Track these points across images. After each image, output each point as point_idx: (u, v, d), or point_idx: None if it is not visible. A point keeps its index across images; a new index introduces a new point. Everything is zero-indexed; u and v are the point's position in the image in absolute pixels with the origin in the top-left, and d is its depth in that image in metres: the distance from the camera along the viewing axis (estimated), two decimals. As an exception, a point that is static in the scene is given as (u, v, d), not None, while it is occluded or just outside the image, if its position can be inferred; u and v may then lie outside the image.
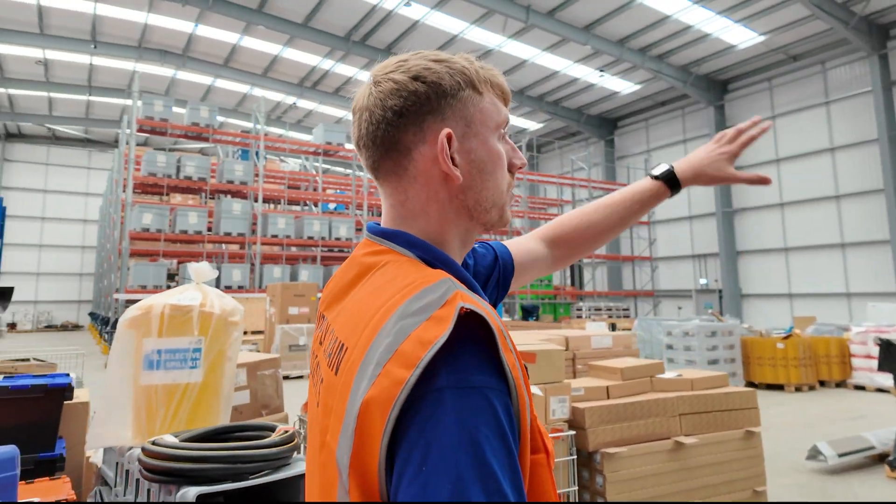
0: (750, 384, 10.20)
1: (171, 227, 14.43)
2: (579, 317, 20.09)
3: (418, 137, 0.73)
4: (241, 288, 14.39)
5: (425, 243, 0.73)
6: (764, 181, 1.12)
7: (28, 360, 3.61)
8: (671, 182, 1.16)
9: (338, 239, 16.88)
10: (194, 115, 15.58)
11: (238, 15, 17.46)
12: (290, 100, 24.84)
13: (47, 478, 2.15)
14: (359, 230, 18.24)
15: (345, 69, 21.87)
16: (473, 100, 0.75)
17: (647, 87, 21.88)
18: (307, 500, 0.73)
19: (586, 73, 20.87)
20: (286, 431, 2.09)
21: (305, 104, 25.34)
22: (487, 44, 19.02)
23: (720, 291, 20.37)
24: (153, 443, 1.89)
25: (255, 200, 15.85)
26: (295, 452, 2.09)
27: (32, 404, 2.51)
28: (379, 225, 0.78)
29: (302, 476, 2.02)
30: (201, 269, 2.52)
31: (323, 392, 0.67)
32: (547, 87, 22.27)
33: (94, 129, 28.95)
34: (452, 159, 0.73)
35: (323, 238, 16.55)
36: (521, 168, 0.81)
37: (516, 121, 26.03)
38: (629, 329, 14.83)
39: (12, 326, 27.33)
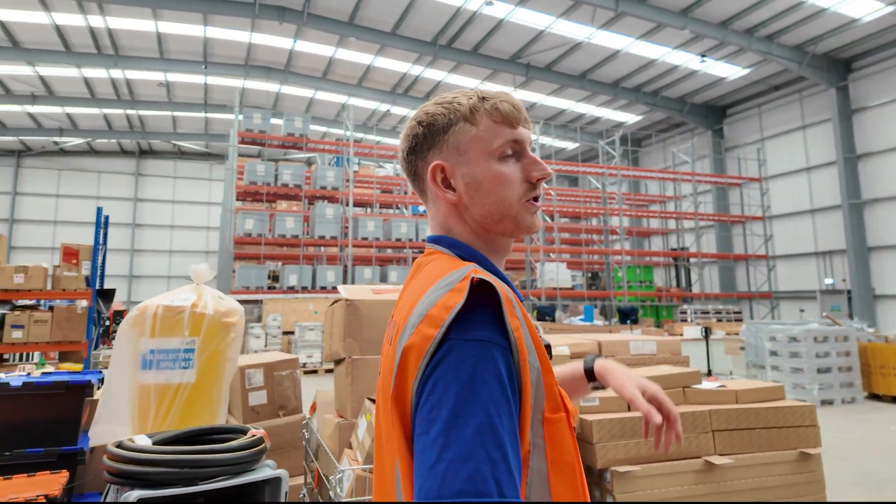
0: (873, 396, 9.00)
1: (272, 232, 15.31)
2: (683, 320, 18.88)
3: (425, 168, 0.92)
4: (333, 288, 14.95)
5: (461, 243, 0.91)
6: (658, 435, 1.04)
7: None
8: (590, 373, 1.16)
9: (424, 240, 17.05)
10: (290, 126, 16.47)
11: (331, 28, 18.19)
12: (384, 107, 25.49)
13: (48, 472, 2.25)
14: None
15: (434, 73, 22.13)
16: (466, 130, 0.90)
17: (758, 71, 20.15)
18: (377, 455, 0.86)
19: (687, 60, 19.60)
20: (254, 436, 2.04)
21: (399, 110, 25.89)
22: (575, 36, 18.41)
23: (849, 292, 18.28)
24: (119, 444, 1.91)
25: (346, 205, 16.44)
26: (263, 457, 2.03)
27: (55, 400, 2.66)
28: (429, 234, 0.99)
29: (265, 482, 1.97)
30: (200, 270, 2.55)
31: (382, 363, 0.85)
32: (644, 76, 21.17)
33: (213, 144, 31.41)
34: (450, 184, 0.91)
35: (410, 240, 16.81)
36: (540, 179, 0.91)
37: (611, 114, 25.03)
38: (736, 333, 13.70)
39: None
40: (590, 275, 25.10)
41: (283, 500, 1.88)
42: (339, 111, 26.78)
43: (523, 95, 23.64)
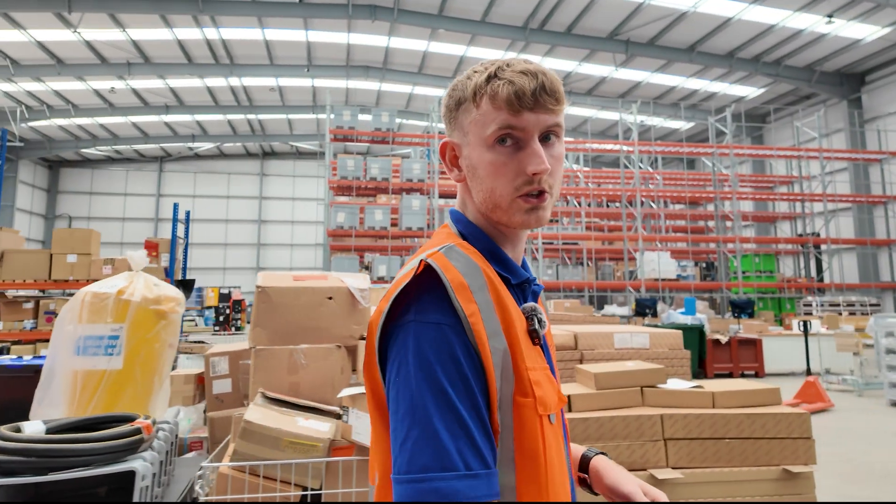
0: None
1: (362, 224, 15.78)
2: (808, 313, 16.90)
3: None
4: (392, 279, 15.01)
5: (466, 220, 0.91)
6: None
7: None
8: (584, 465, 1.06)
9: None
10: (377, 121, 16.85)
11: (421, 22, 18.33)
12: (482, 97, 25.26)
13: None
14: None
15: (528, 59, 21.56)
16: (468, 112, 0.87)
17: (903, 28, 17.45)
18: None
19: (812, 23, 17.42)
20: (133, 426, 2.00)
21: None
22: (679, 6, 17.03)
23: None
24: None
25: (431, 196, 16.55)
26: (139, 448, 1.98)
27: (26, 383, 2.81)
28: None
29: (131, 473, 1.91)
30: (135, 257, 2.57)
31: None
32: (762, 45, 19.14)
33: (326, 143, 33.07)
34: (457, 162, 0.91)
35: (500, 229, 16.58)
36: (536, 174, 0.83)
37: (728, 89, 22.95)
38: (862, 329, 12.02)
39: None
40: (704, 265, 23.28)
41: (136, 495, 1.81)
42: (438, 105, 27.04)
43: (625, 75, 22.39)
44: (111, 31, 18.84)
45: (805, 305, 17.09)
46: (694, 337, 10.13)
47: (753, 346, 10.30)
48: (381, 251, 16.31)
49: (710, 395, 2.32)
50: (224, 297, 21.72)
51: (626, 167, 19.72)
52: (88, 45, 19.63)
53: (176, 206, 7.64)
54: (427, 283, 0.76)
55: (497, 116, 0.84)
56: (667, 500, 0.93)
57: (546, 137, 0.87)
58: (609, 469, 1.00)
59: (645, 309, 16.72)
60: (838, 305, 16.73)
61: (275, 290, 2.35)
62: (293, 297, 2.35)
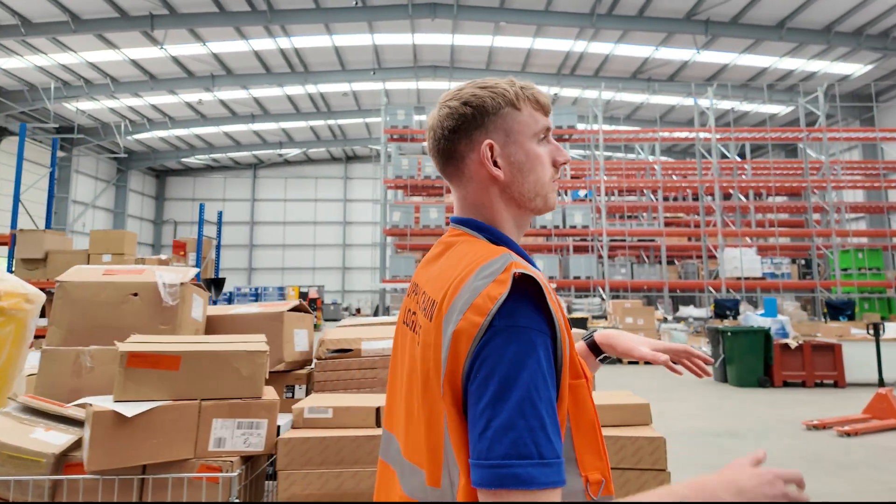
0: None
1: (417, 224, 15.71)
2: (922, 316, 14.79)
3: (469, 147, 0.97)
4: None
5: (489, 227, 0.97)
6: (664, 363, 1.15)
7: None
8: (594, 347, 1.26)
9: (573, 227, 15.93)
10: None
11: (483, 16, 18.01)
12: (552, 90, 24.51)
13: None
14: (597, 216, 16.87)
15: (599, 47, 20.60)
16: (513, 115, 0.96)
17: None
18: (388, 416, 1.01)
19: (926, -16, 15.25)
20: None
21: (568, 92, 24.70)
22: (760, -21, 15.50)
23: None
24: None
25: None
26: None
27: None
28: (455, 216, 1.03)
29: None
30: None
31: (422, 334, 0.89)
32: (865, 15, 17.04)
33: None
34: (496, 162, 0.96)
35: (556, 227, 15.83)
36: (563, 164, 1.01)
37: (828, 67, 20.66)
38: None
39: (358, 311, 33.48)
40: (803, 262, 21.11)
41: None
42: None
43: (708, 57, 20.78)
44: (193, 45, 20.10)
45: (917, 306, 14.98)
46: (758, 341, 9.08)
47: (831, 351, 9.05)
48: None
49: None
50: (303, 297, 22.53)
51: (704, 157, 18.24)
52: (175, 60, 21.06)
53: (202, 207, 7.87)
54: (516, 291, 0.81)
55: (539, 117, 0.98)
56: (681, 347, 1.17)
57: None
58: (615, 339, 1.21)
59: (725, 311, 15.40)
60: (960, 307, 14.51)
61: (73, 285, 2.20)
62: (94, 293, 2.19)
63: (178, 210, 36.69)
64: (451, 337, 0.81)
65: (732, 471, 0.82)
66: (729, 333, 9.22)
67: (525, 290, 0.81)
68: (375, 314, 26.20)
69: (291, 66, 22.72)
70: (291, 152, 34.33)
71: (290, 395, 2.33)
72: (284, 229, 36.92)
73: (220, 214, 8.64)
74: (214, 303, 8.16)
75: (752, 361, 9.05)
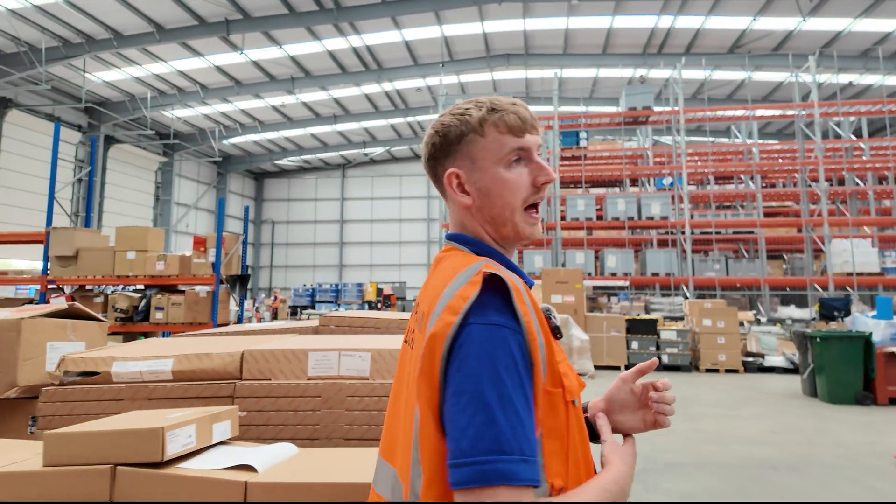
0: None
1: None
2: None
3: (443, 173, 1.01)
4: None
5: (475, 240, 1.00)
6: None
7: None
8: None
9: (650, 218, 14.48)
10: None
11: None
12: (639, 72, 22.82)
13: None
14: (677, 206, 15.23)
15: (688, 21, 18.81)
16: (476, 141, 0.97)
17: None
18: (385, 442, 0.98)
19: None
20: None
21: (658, 73, 22.85)
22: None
23: None
24: None
25: (552, 185, 15.08)
26: None
27: None
28: (448, 232, 1.07)
29: None
30: None
31: (415, 348, 0.90)
32: None
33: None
34: (464, 189, 0.99)
35: (630, 218, 14.46)
36: (545, 184, 0.99)
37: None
38: None
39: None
40: (938, 255, 18.11)
41: None
42: (592, 86, 25.11)
43: (817, 25, 18.34)
44: (270, 49, 20.67)
45: None
46: (855, 349, 7.55)
47: (958, 364, 7.36)
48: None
49: (242, 486, 1.19)
50: (379, 293, 22.61)
51: (809, 137, 16.04)
52: (256, 64, 21.80)
53: (221, 202, 7.72)
54: (487, 290, 0.84)
55: (507, 140, 0.97)
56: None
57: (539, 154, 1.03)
58: (599, 409, 1.10)
59: (833, 311, 13.42)
60: None
61: None
62: None
63: (275, 210, 38.38)
64: (428, 338, 0.83)
65: (622, 458, 0.94)
66: (818, 339, 7.77)
67: (497, 290, 0.84)
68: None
69: (365, 64, 22.79)
70: (376, 151, 34.77)
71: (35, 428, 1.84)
72: (372, 227, 37.56)
73: (246, 210, 8.46)
74: (242, 300, 8.01)
75: (848, 373, 7.56)
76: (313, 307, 24.04)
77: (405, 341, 1.02)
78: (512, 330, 0.81)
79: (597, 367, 10.71)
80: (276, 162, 35.00)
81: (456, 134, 0.98)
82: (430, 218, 36.55)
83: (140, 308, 7.48)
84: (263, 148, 32.94)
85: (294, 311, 23.79)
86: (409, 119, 29.40)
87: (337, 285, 25.24)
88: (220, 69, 21.93)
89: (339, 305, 23.70)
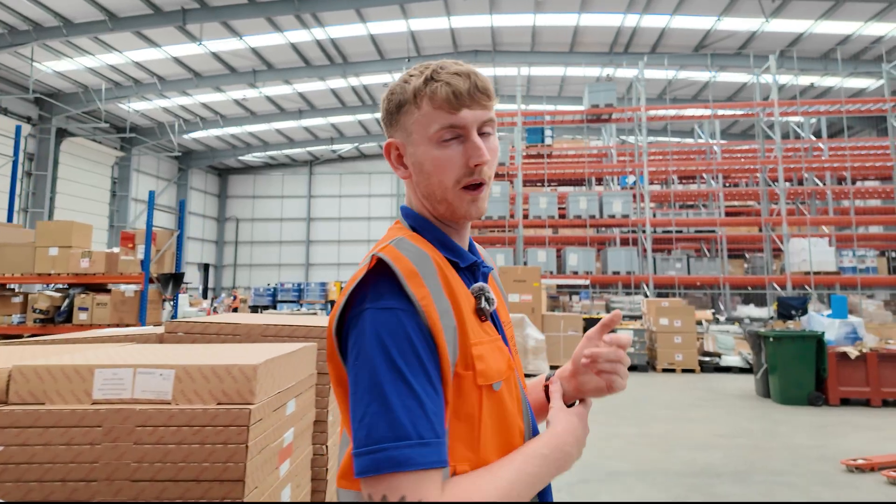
0: None
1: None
2: None
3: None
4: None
5: (414, 214, 0.97)
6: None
7: None
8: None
9: (612, 216, 14.37)
10: None
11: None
12: (605, 71, 22.79)
13: None
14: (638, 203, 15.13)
15: (653, 20, 18.79)
16: (411, 113, 0.92)
17: None
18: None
19: None
20: None
21: (624, 73, 22.86)
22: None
23: None
24: None
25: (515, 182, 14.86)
26: None
27: None
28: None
29: None
30: None
31: None
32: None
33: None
34: (402, 161, 0.96)
35: (592, 217, 14.32)
36: (478, 166, 0.90)
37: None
38: None
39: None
40: (894, 254, 18.45)
41: None
42: (560, 85, 25.04)
43: (778, 26, 18.50)
44: (230, 40, 20.04)
45: None
46: (808, 349, 7.46)
47: (908, 364, 7.32)
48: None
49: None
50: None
51: (770, 137, 16.13)
52: (216, 56, 21.14)
53: (151, 194, 7.26)
54: (380, 274, 0.81)
55: (438, 115, 0.90)
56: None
57: (482, 132, 0.93)
58: (567, 374, 1.04)
59: (790, 310, 13.46)
60: None
61: None
62: None
63: (239, 207, 37.54)
64: (329, 319, 0.84)
65: (563, 422, 0.90)
66: (771, 339, 7.66)
67: (390, 273, 0.81)
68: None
69: (330, 58, 22.31)
70: (344, 148, 34.25)
71: None
72: (340, 225, 36.99)
73: (181, 203, 7.94)
74: (176, 301, 7.56)
75: (801, 373, 7.46)
76: (275, 307, 23.47)
77: None
78: (407, 313, 0.79)
79: (553, 368, 10.48)
80: (241, 158, 34.21)
81: (396, 103, 0.94)
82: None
83: (62, 308, 6.98)
84: (226, 143, 32.14)
85: (254, 311, 23.18)
86: (377, 115, 28.96)
87: (300, 284, 24.69)
88: (178, 60, 21.21)
89: (301, 305, 23.18)
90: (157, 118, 27.05)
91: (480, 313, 0.89)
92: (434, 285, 0.83)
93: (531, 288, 10.22)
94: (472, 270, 0.95)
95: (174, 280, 7.45)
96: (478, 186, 0.92)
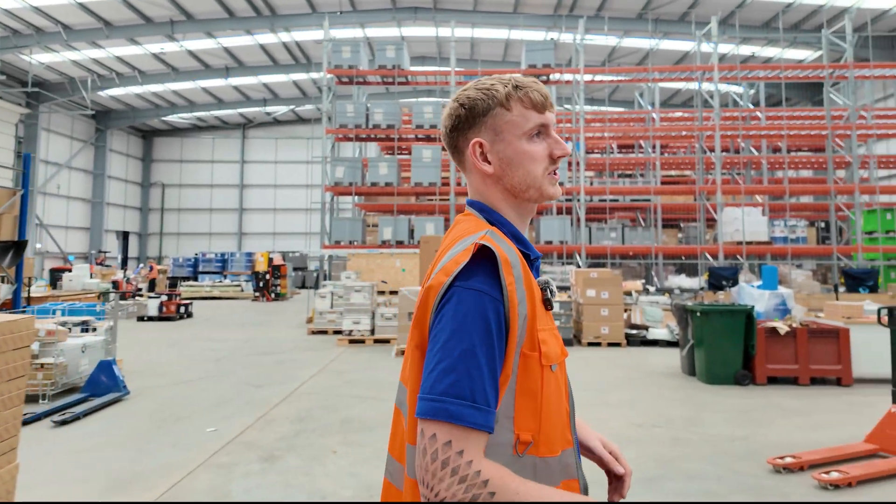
0: None
1: (363, 180, 13.70)
2: (960, 289, 12.45)
3: (465, 143, 1.08)
4: (399, 243, 12.79)
5: (489, 208, 1.07)
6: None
7: None
8: None
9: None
10: (381, 57, 14.37)
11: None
12: (550, 35, 21.94)
13: None
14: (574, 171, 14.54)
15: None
16: (502, 115, 1.04)
17: None
18: (403, 370, 1.05)
19: None
20: None
21: (567, 37, 22.10)
22: None
23: None
24: None
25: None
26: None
27: None
28: (469, 199, 1.14)
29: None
30: None
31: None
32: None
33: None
34: (487, 158, 1.06)
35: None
36: (560, 156, 1.06)
37: (863, 1, 17.74)
38: None
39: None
40: (823, 225, 18.65)
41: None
42: (504, 50, 24.10)
43: (721, -9, 18.04)
44: (140, -15, 18.14)
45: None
46: (737, 324, 7.01)
47: (835, 338, 6.97)
48: (386, 211, 14.14)
49: None
50: (271, 262, 20.79)
51: (710, 105, 15.73)
52: (128, 4, 19.18)
53: (28, 156, 6.01)
54: (478, 258, 0.92)
55: (531, 115, 1.04)
56: (620, 452, 1.21)
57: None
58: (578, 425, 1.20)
59: (721, 280, 13.24)
60: None
61: None
62: None
63: (166, 172, 35.22)
64: (423, 291, 0.94)
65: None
66: (698, 313, 7.15)
67: (486, 261, 0.92)
68: (306, 285, 23.83)
69: (256, 9, 20.63)
70: (279, 110, 32.43)
71: None
72: (276, 192, 35.26)
73: (26, 157, 6.62)
74: (19, 275, 6.37)
75: (729, 351, 7.00)
76: (196, 279, 22.00)
77: None
78: (491, 297, 0.89)
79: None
80: (166, 118, 31.87)
81: (483, 107, 1.04)
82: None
83: None
84: (148, 102, 29.82)
85: (174, 283, 21.67)
86: (314, 75, 27.30)
87: (223, 255, 23.21)
88: (83, 6, 19.10)
89: (225, 276, 21.80)
90: (67, 72, 24.66)
91: (547, 304, 1.02)
92: (518, 276, 0.94)
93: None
94: (533, 263, 1.09)
95: (15, 249, 6.27)
96: (555, 173, 1.08)
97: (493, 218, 1.06)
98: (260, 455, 4.27)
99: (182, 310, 13.60)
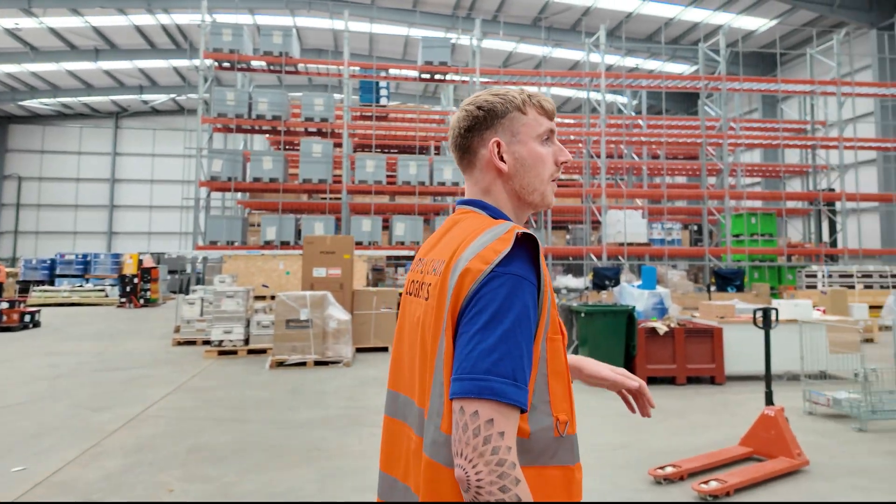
0: None
1: (244, 175, 12.77)
2: (811, 286, 13.62)
3: (480, 144, 1.11)
4: (285, 244, 12.10)
5: (492, 206, 1.10)
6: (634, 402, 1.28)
7: None
8: None
9: (441, 184, 13.52)
10: (267, 42, 13.48)
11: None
12: (450, 35, 21.82)
13: None
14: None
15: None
16: (519, 118, 1.10)
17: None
18: (393, 377, 1.14)
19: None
20: None
21: (467, 42, 22.13)
22: None
23: None
24: None
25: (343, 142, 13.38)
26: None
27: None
28: (464, 198, 1.16)
29: None
30: None
31: (431, 288, 1.01)
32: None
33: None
34: (502, 158, 1.09)
35: (422, 183, 13.36)
36: (564, 163, 1.14)
37: (735, 20, 19.16)
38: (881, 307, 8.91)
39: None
40: (696, 227, 19.90)
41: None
42: (404, 47, 23.72)
43: (609, 3, 18.76)
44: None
45: (808, 276, 13.75)
46: (619, 324, 7.06)
47: (709, 338, 7.23)
48: (270, 209, 13.27)
49: None
50: (140, 264, 18.89)
51: (597, 112, 16.25)
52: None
53: None
54: (517, 247, 0.94)
55: (543, 121, 1.12)
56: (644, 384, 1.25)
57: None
58: (584, 362, 1.28)
59: (605, 280, 13.61)
60: (851, 276, 13.39)
61: None
62: None
63: (23, 163, 31.48)
64: (459, 276, 0.93)
65: None
66: (583, 314, 7.11)
67: (524, 248, 0.94)
68: (182, 290, 21.98)
69: (129, -14, 18.81)
70: (158, 98, 30.03)
71: None
72: (152, 188, 32.56)
73: None
74: None
75: (612, 351, 7.00)
76: (52, 283, 19.61)
77: (409, 293, 1.14)
78: (529, 283, 0.92)
79: (361, 350, 9.33)
80: (23, 103, 28.50)
81: (502, 110, 1.10)
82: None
83: None
84: (2, 84, 26.47)
85: (25, 288, 19.17)
86: (197, 62, 25.43)
87: (86, 256, 20.90)
88: None
89: (87, 280, 19.59)
90: None
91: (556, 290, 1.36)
92: (545, 265, 0.97)
93: (341, 261, 8.86)
94: None
95: None
96: (555, 181, 1.15)
97: (497, 216, 1.09)
98: (74, 499, 3.51)
99: (27, 318, 11.92)
